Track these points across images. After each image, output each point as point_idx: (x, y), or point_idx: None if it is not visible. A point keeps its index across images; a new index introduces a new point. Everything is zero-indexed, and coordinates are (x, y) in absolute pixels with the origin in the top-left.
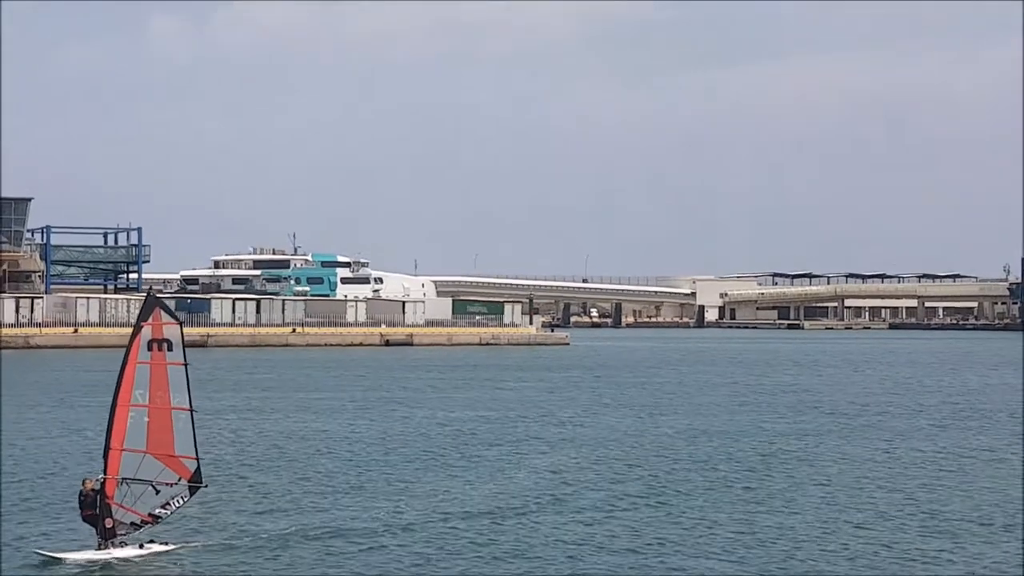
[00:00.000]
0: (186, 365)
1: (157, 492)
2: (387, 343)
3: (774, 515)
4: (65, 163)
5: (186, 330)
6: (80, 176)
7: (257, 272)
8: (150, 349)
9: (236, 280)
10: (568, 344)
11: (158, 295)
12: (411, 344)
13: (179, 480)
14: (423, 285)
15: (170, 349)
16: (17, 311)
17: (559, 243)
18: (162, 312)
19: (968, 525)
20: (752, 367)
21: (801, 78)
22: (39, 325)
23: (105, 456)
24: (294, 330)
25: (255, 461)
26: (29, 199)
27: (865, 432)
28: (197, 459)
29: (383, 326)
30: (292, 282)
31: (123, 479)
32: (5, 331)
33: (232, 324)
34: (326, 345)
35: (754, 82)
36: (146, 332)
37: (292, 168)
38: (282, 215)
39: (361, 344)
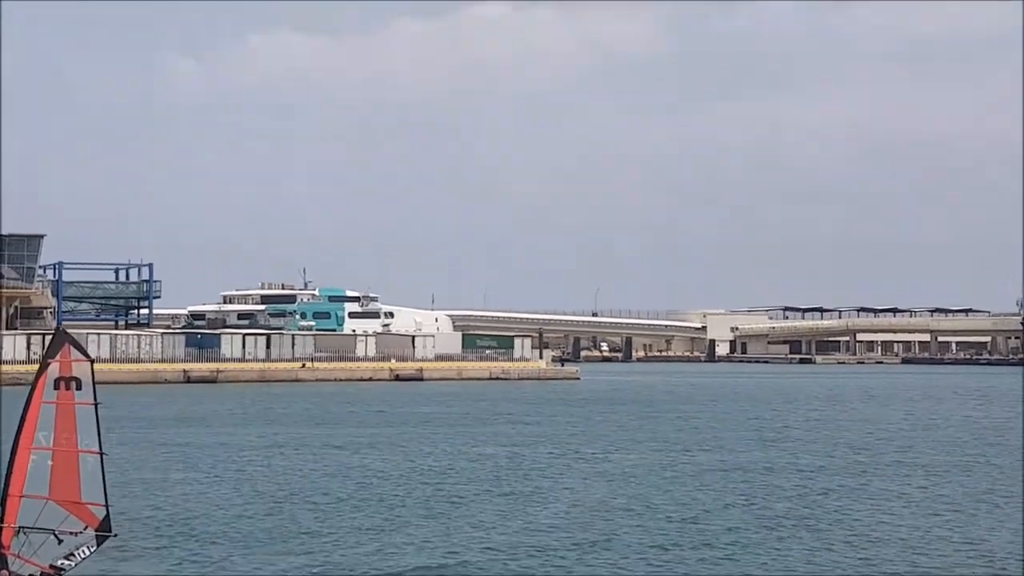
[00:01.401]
0: (96, 404)
1: (60, 542)
2: (397, 377)
3: (816, 554)
4: (78, 198)
5: (197, 366)
6: (93, 211)
7: (262, 307)
8: (57, 388)
9: (241, 315)
10: (578, 379)
11: (167, 330)
12: (421, 379)
13: (85, 528)
14: (436, 319)
15: (79, 388)
16: (28, 347)
17: (569, 277)
18: (72, 348)
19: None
20: (771, 402)
21: (812, 114)
22: None
23: (2, 503)
24: (303, 365)
25: (261, 496)
26: (42, 236)
27: (898, 469)
28: (107, 506)
29: (393, 360)
30: (297, 316)
31: (20, 528)
32: (16, 368)
33: (242, 359)
34: (336, 380)
35: (765, 117)
36: (53, 369)
37: (306, 204)
38: (296, 251)
39: (371, 379)
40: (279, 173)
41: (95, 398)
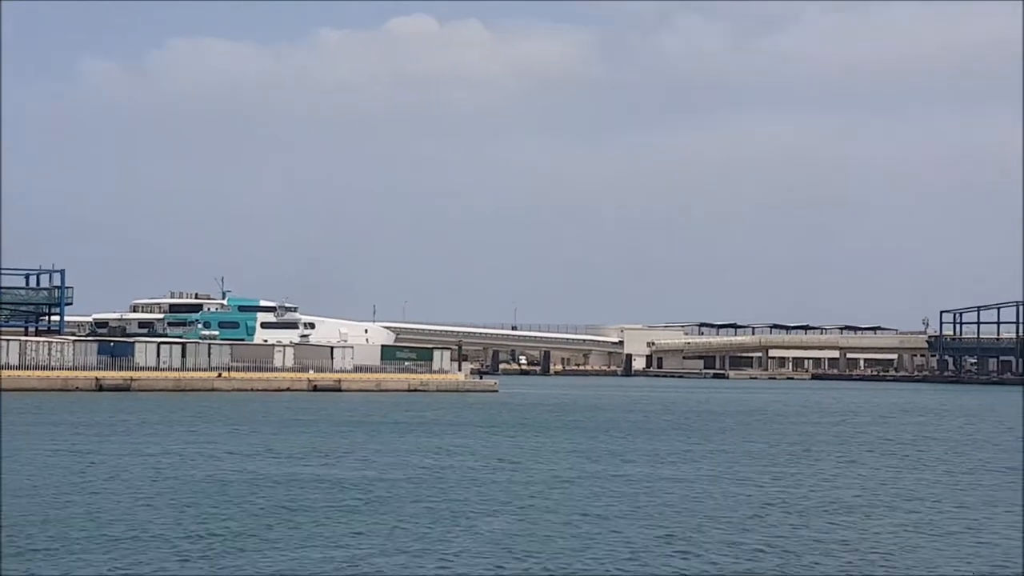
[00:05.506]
0: None
1: None
2: (315, 388)
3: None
4: None
5: (110, 374)
6: (2, 216)
7: (161, 316)
8: None
9: (142, 323)
10: (497, 391)
11: (79, 337)
12: (339, 390)
13: None
14: (367, 330)
15: None
16: None
17: (488, 291)
18: None
19: None
20: (707, 416)
21: (729, 133)
22: None
23: None
24: (220, 375)
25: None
26: None
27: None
28: None
29: (311, 371)
30: (199, 326)
31: None
32: None
33: (157, 368)
34: (252, 390)
35: (683, 138)
36: None
37: (231, 214)
38: (218, 262)
39: (288, 389)
40: (202, 182)
41: None
